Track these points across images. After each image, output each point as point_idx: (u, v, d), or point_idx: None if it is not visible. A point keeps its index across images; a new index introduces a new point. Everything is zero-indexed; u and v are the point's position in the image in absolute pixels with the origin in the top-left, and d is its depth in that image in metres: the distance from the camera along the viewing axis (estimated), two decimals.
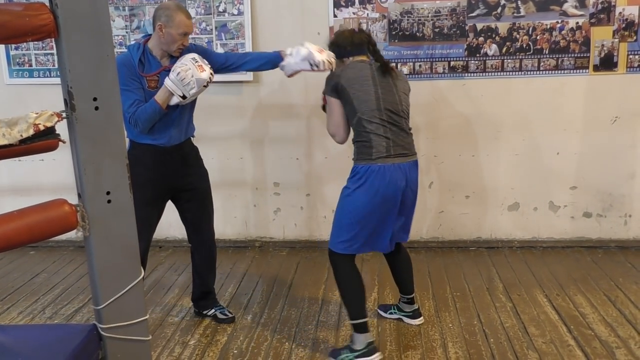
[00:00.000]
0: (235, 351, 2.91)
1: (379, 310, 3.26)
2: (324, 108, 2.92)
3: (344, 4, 3.97)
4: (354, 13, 3.98)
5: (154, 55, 2.83)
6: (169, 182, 2.98)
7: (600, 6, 3.84)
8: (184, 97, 2.70)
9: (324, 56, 2.89)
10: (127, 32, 4.13)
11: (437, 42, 3.97)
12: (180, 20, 2.75)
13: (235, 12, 4.03)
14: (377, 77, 2.73)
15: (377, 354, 2.72)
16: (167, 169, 2.95)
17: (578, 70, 3.95)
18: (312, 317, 3.24)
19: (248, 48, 4.03)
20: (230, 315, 3.24)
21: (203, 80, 2.69)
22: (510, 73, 3.98)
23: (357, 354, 2.70)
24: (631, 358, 2.72)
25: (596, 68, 3.93)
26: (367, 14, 3.97)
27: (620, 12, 3.84)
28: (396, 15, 3.96)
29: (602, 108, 3.99)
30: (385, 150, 2.65)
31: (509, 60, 3.97)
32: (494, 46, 3.95)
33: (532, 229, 4.23)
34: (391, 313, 3.20)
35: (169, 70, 2.74)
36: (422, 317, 3.16)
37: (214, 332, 3.12)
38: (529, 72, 3.97)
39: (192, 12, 4.02)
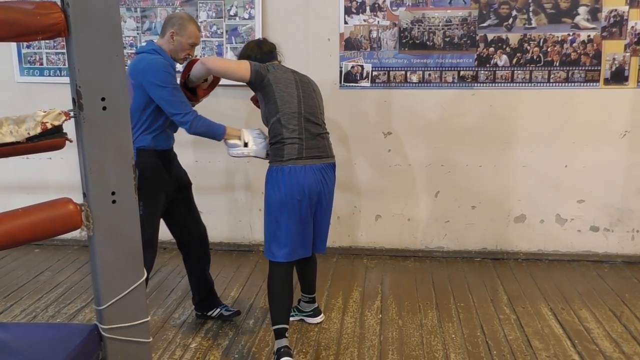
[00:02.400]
0: (237, 355, 2.90)
1: None
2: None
3: (355, 11, 3.98)
4: (364, 20, 3.98)
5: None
6: (173, 184, 3.00)
7: (612, 20, 3.83)
8: (245, 144, 2.84)
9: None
10: (138, 34, 4.14)
11: (447, 51, 3.97)
12: (192, 31, 2.87)
13: (246, 16, 4.04)
14: (299, 82, 2.80)
15: (284, 359, 2.73)
16: (171, 172, 2.99)
17: (588, 84, 3.93)
18: (315, 323, 3.23)
19: None
20: (235, 310, 3.25)
21: (261, 152, 2.85)
22: (520, 84, 3.97)
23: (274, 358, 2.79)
24: None
25: (607, 82, 3.91)
26: (378, 21, 3.97)
27: (632, 26, 3.83)
28: (407, 24, 3.96)
29: (612, 122, 3.97)
30: (297, 152, 2.70)
31: (519, 72, 3.95)
32: (504, 57, 3.94)
33: (538, 242, 4.20)
34: (292, 316, 3.23)
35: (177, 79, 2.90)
36: (322, 315, 3.26)
37: (215, 335, 3.11)
38: (539, 84, 3.96)
39: (203, 15, 4.04)
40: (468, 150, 4.10)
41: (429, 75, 4.01)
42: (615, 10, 3.82)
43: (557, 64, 3.92)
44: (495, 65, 3.96)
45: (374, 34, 3.99)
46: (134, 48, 4.13)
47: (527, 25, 3.89)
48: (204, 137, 2.88)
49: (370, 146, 4.17)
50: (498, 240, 4.23)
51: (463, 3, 3.89)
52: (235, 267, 4.07)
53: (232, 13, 4.05)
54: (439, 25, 3.94)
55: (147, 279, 2.92)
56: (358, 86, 4.07)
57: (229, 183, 4.32)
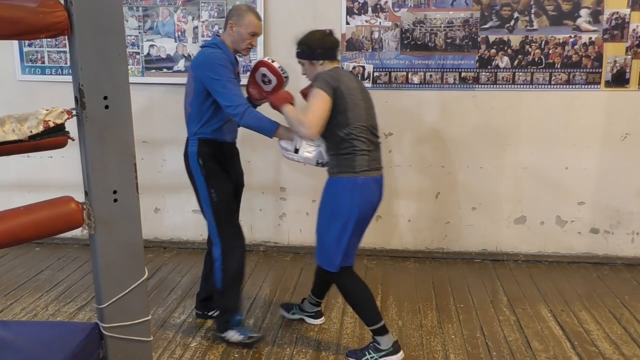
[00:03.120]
0: (236, 355, 2.90)
1: (281, 310, 3.32)
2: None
3: (356, 12, 3.98)
4: (366, 21, 3.99)
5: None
6: (234, 177, 3.06)
7: (614, 22, 3.83)
8: (296, 151, 2.80)
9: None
10: (140, 33, 4.15)
11: (448, 52, 3.97)
12: (250, 20, 2.85)
13: None
14: (361, 90, 2.74)
15: (401, 352, 2.79)
16: (233, 163, 3.06)
17: (590, 86, 3.93)
18: (315, 324, 3.23)
19: (259, 53, 4.04)
20: None
21: (311, 160, 2.79)
22: (521, 86, 3.97)
23: (382, 353, 2.77)
24: None
25: (608, 84, 3.92)
26: (380, 22, 3.98)
27: (634, 29, 3.83)
28: (409, 25, 3.96)
29: (613, 124, 3.97)
30: (367, 164, 2.67)
31: (521, 73, 3.96)
32: (506, 59, 3.94)
33: (538, 243, 4.20)
34: (293, 313, 3.26)
35: (238, 74, 2.92)
36: (323, 317, 3.27)
37: (215, 335, 3.11)
38: (540, 86, 3.96)
39: (205, 15, 4.04)
40: (469, 152, 4.10)
41: (430, 76, 4.01)
42: (617, 12, 3.82)
43: (559, 66, 3.92)
44: (497, 66, 3.96)
45: (376, 35, 3.99)
46: (136, 47, 4.14)
47: (528, 27, 3.90)
48: (255, 132, 2.83)
49: None
50: (498, 241, 4.23)
51: (465, 4, 3.90)
52: None
53: None
54: (440, 27, 3.95)
55: (241, 275, 3.03)
56: None
57: None
